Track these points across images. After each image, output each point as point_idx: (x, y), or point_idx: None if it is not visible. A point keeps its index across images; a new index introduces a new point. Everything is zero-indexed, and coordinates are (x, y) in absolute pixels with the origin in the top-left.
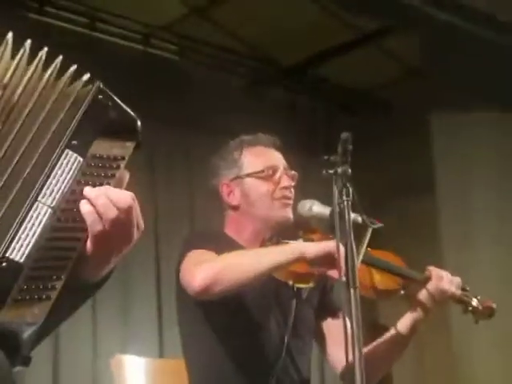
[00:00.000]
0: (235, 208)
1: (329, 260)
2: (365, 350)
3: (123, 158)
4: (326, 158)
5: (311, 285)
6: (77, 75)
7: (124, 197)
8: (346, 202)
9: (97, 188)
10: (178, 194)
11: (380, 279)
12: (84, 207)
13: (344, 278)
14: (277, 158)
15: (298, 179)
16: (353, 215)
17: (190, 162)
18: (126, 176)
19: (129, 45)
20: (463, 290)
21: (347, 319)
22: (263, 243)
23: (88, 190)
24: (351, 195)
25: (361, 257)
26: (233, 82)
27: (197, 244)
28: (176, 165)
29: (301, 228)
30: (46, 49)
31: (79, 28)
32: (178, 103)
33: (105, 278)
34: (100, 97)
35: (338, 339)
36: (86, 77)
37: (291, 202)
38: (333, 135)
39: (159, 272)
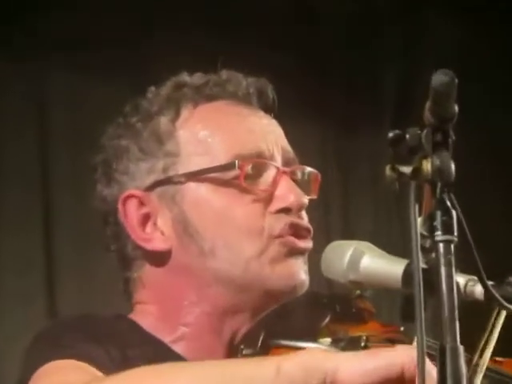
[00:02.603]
0: (159, 257)
1: None
2: None
3: None
4: (391, 134)
5: None
6: None
7: None
8: (442, 248)
9: None
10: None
11: None
12: None
13: None
14: (265, 134)
15: (320, 187)
16: (461, 280)
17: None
18: None
19: None
20: None
21: None
22: (230, 350)
23: None
24: (456, 226)
25: (480, 376)
26: None
27: (60, 347)
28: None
29: (327, 309)
30: None
31: None
32: None
33: None
34: None
35: None
36: None
37: (307, 244)
38: (411, 77)
39: None
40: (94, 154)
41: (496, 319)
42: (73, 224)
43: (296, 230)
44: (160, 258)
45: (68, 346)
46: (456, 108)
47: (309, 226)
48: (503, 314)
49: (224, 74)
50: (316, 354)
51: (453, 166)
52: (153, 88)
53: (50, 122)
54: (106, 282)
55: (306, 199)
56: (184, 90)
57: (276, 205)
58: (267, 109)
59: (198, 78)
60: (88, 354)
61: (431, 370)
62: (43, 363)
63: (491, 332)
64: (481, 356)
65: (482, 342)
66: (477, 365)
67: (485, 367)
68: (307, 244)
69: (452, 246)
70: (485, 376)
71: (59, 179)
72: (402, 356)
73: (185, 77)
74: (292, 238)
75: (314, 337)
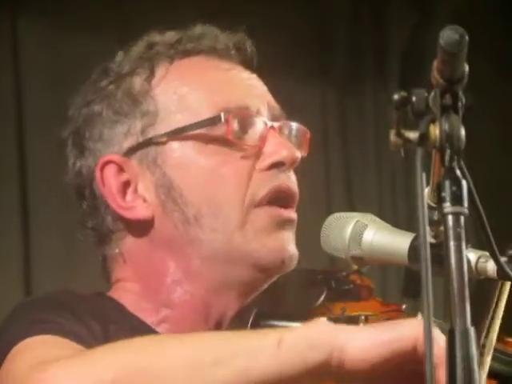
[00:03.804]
0: (141, 227)
1: (403, 374)
2: None
3: None
4: (396, 96)
5: None
6: None
7: None
8: (451, 221)
9: None
10: None
11: None
12: None
13: None
14: (249, 87)
15: (313, 146)
16: (472, 256)
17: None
18: None
19: None
20: None
21: None
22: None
23: None
24: (467, 199)
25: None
26: None
27: (39, 323)
28: None
29: (322, 286)
30: None
31: None
32: None
33: None
34: None
35: None
36: None
37: (292, 214)
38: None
39: None
40: (63, 128)
41: (500, 295)
42: (50, 185)
43: (280, 198)
44: (142, 229)
45: (48, 321)
46: (466, 68)
47: (295, 190)
48: (507, 289)
49: (198, 28)
50: (323, 327)
51: (463, 131)
52: (121, 52)
53: (24, 67)
54: (86, 244)
55: (298, 153)
56: (157, 48)
57: (267, 160)
58: (246, 64)
59: (170, 36)
60: (70, 329)
61: (440, 340)
62: (22, 338)
63: (496, 309)
64: (487, 336)
65: (488, 321)
66: (483, 345)
67: (492, 347)
68: (292, 214)
69: (462, 219)
70: (494, 358)
71: (34, 137)
72: (415, 330)
73: (156, 36)
74: (275, 209)
75: (308, 316)
